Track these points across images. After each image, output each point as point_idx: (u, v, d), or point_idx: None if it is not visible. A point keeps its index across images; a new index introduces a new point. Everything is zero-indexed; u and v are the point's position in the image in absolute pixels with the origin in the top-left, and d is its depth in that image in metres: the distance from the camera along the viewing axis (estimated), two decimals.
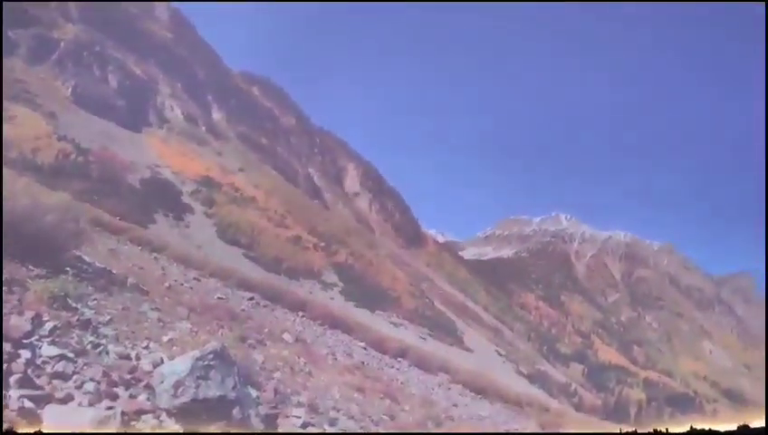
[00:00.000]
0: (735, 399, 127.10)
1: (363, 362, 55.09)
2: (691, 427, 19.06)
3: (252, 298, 52.38)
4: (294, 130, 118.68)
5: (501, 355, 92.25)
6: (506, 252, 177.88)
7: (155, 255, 42.21)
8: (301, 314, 58.20)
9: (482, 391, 74.11)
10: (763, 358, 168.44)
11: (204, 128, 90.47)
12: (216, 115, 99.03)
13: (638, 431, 18.84)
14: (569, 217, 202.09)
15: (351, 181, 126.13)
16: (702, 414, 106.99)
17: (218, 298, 47.01)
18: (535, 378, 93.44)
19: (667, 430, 19.84)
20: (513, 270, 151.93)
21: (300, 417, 33.33)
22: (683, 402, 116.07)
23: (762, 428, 15.59)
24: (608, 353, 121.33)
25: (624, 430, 23.11)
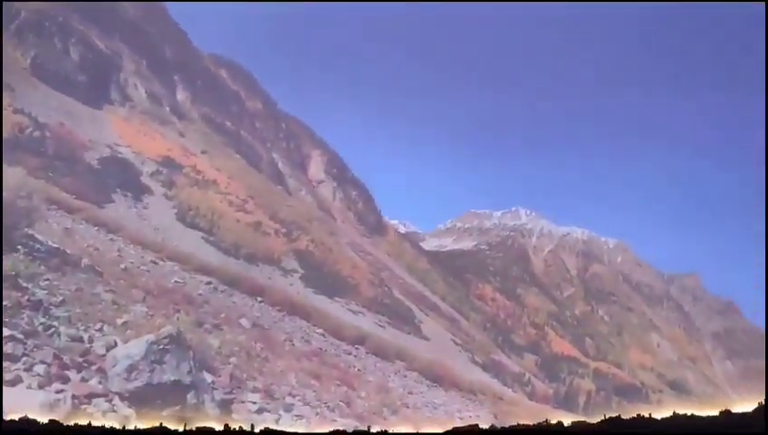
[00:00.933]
0: (679, 390, 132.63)
1: (321, 349, 55.37)
2: (638, 415, 20.00)
3: (210, 283, 51.97)
4: (260, 114, 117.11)
5: (457, 344, 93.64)
6: (466, 244, 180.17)
7: (111, 236, 41.31)
8: (259, 299, 57.96)
9: (437, 379, 75.38)
10: (705, 352, 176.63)
11: (167, 108, 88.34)
12: (181, 95, 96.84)
13: (614, 416, 19.65)
14: (529, 212, 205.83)
15: (316, 168, 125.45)
16: (647, 404, 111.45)
17: (175, 282, 46.46)
18: (490, 367, 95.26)
19: (619, 415, 20.63)
20: (472, 262, 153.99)
21: (255, 402, 33.42)
22: (630, 392, 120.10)
23: (744, 413, 16.59)
24: (561, 345, 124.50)
25: (575, 420, 23.89)
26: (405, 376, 63.32)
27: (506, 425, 25.84)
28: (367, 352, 62.32)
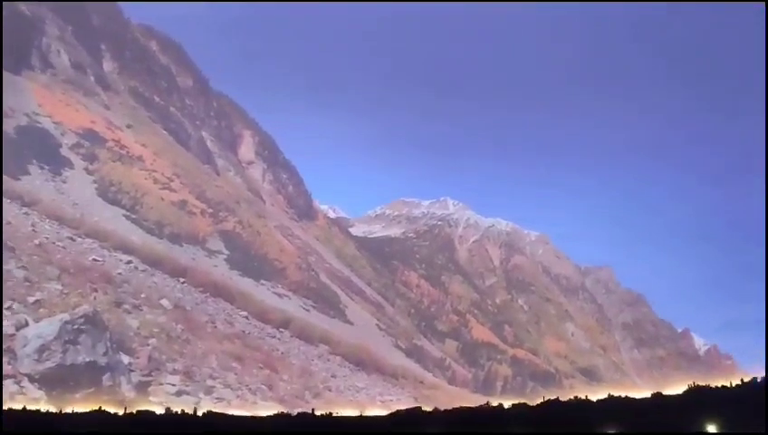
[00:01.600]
0: (590, 376, 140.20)
1: (244, 332, 55.07)
2: (575, 397, 21.52)
3: (130, 262, 50.48)
4: (191, 90, 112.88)
5: (381, 329, 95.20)
6: (394, 231, 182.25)
7: (25, 209, 39.36)
8: (181, 280, 56.80)
9: (360, 363, 76.29)
10: (615, 342, 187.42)
11: (92, 78, 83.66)
12: (108, 66, 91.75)
13: (560, 399, 20.81)
14: (456, 202, 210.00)
15: (246, 149, 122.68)
16: (560, 389, 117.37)
17: (93, 260, 44.85)
18: (413, 352, 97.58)
19: (557, 398, 22.07)
20: (399, 249, 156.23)
21: (174, 385, 33.24)
22: (544, 378, 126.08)
23: (676, 394, 18.18)
24: (481, 332, 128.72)
25: (492, 403, 25.13)
26: (328, 360, 64.05)
27: (427, 408, 26.75)
28: (291, 336, 62.53)
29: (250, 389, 43.26)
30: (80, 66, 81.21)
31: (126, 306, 40.21)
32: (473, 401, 66.73)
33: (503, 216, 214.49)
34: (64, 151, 62.75)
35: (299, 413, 22.52)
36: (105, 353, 24.73)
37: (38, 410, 20.15)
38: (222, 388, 38.63)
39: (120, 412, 21.32)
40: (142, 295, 44.70)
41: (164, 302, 46.14)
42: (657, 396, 19.65)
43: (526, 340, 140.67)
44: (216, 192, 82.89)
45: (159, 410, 23.22)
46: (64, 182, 57.80)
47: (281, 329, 63.11)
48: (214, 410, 24.03)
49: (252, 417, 22.37)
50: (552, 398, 22.17)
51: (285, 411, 22.88)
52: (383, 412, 23.05)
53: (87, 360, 20.13)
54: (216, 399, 37.44)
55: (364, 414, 23.15)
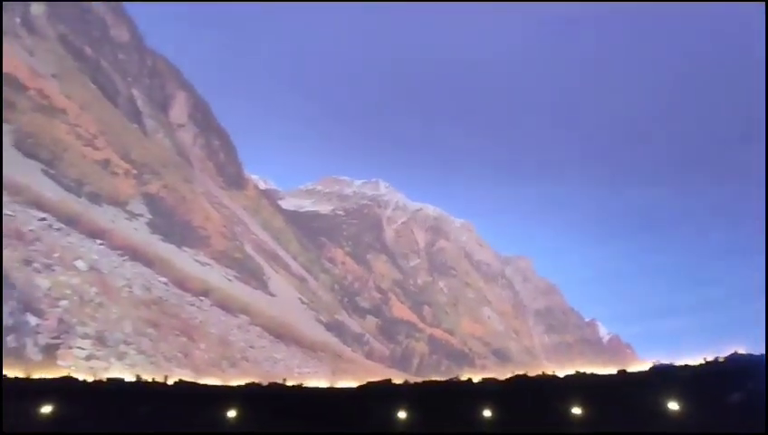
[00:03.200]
0: (502, 357, 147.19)
1: (161, 298, 54.26)
2: (543, 373, 22.63)
3: (44, 219, 48.39)
4: (125, 45, 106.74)
5: (303, 303, 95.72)
6: (324, 208, 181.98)
7: None
8: (99, 241, 55.06)
9: (280, 335, 76.75)
10: (528, 327, 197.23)
11: (17, 19, 77.57)
12: (35, 8, 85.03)
13: (521, 375, 21.85)
14: (388, 185, 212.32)
15: (179, 111, 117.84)
16: (473, 368, 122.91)
17: (5, 214, 42.75)
18: (333, 326, 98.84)
19: (525, 373, 23.13)
20: (328, 226, 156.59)
21: (84, 349, 32.79)
22: (459, 357, 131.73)
23: (640, 371, 19.60)
24: (401, 310, 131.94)
25: (408, 380, 26.10)
26: (248, 330, 64.04)
27: (342, 381, 27.42)
28: (211, 305, 61.99)
29: (165, 356, 42.71)
30: (4, 5, 75.35)
31: (36, 265, 38.53)
32: (388, 375, 68.65)
33: (431, 201, 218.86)
34: None
35: (270, 383, 22.89)
36: (11, 314, 23.80)
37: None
38: (135, 354, 37.96)
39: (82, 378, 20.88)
40: (55, 255, 42.94)
41: (79, 263, 44.50)
42: (622, 373, 21.31)
43: (444, 320, 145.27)
44: (142, 153, 79.83)
45: (84, 377, 22.82)
46: None
47: (201, 297, 62.35)
48: (125, 376, 23.77)
49: (223, 386, 22.57)
50: (520, 373, 23.48)
51: (257, 381, 23.18)
52: (353, 384, 23.72)
53: None
54: (129, 365, 36.78)
55: (334, 386, 23.79)
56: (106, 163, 70.19)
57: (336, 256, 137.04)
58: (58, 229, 47.77)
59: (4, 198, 43.61)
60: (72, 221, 51.48)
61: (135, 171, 74.39)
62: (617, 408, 18.76)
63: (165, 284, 54.12)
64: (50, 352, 28.80)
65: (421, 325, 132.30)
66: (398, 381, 24.56)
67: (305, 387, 22.72)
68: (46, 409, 17.99)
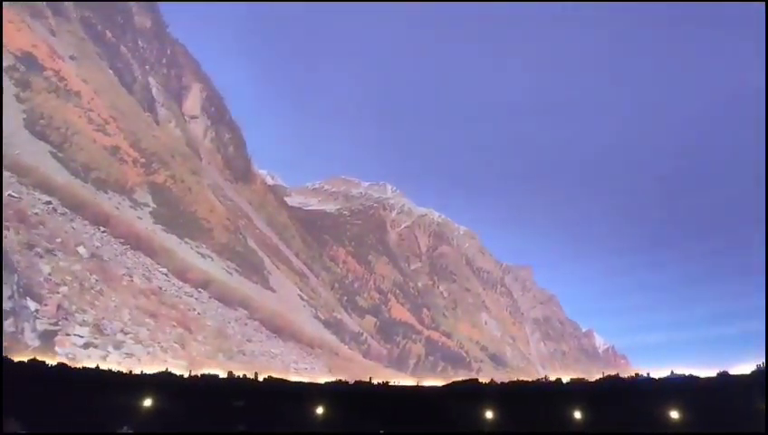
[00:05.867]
0: (497, 362, 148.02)
1: (161, 288, 54.34)
2: (613, 374, 22.19)
3: (49, 202, 48.52)
4: (147, 33, 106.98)
5: (303, 299, 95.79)
6: (330, 207, 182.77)
7: None
8: (102, 229, 55.22)
9: (278, 330, 76.65)
10: (525, 334, 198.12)
11: None
12: None
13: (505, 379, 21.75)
14: (395, 189, 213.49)
15: (192, 103, 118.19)
16: (468, 371, 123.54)
17: (9, 195, 42.88)
18: (331, 324, 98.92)
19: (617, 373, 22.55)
20: (332, 224, 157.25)
21: (82, 337, 32.96)
22: (455, 360, 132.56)
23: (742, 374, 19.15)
24: (400, 312, 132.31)
25: (495, 379, 25.88)
26: (245, 324, 64.11)
27: (338, 378, 27.37)
28: (210, 297, 62.13)
29: (162, 346, 42.79)
30: None
31: (38, 250, 38.63)
32: (385, 375, 68.70)
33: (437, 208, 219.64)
34: None
35: (356, 381, 23.24)
36: (11, 297, 23.82)
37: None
38: (133, 343, 38.02)
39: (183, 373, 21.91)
40: (58, 240, 43.06)
41: (81, 249, 44.62)
42: (724, 375, 20.59)
43: (442, 323, 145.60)
44: (151, 142, 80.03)
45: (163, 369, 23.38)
46: None
47: (200, 289, 62.46)
48: (120, 365, 23.90)
49: (311, 383, 22.94)
50: (612, 374, 22.96)
51: (343, 379, 23.57)
52: (438, 383, 23.73)
53: None
54: (126, 354, 36.86)
55: (420, 384, 23.89)
56: (115, 150, 70.37)
57: (338, 254, 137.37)
58: (62, 214, 47.93)
59: (11, 180, 43.81)
60: (76, 207, 51.65)
61: (143, 160, 74.59)
62: (715, 411, 18.00)
63: (165, 274, 54.26)
64: (48, 338, 28.88)
65: (419, 327, 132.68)
66: (449, 380, 24.52)
67: (391, 386, 22.93)
68: (147, 402, 18.92)
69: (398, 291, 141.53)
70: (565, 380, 22.82)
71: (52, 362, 21.40)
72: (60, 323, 31.01)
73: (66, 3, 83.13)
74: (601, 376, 22.63)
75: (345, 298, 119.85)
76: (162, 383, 20.39)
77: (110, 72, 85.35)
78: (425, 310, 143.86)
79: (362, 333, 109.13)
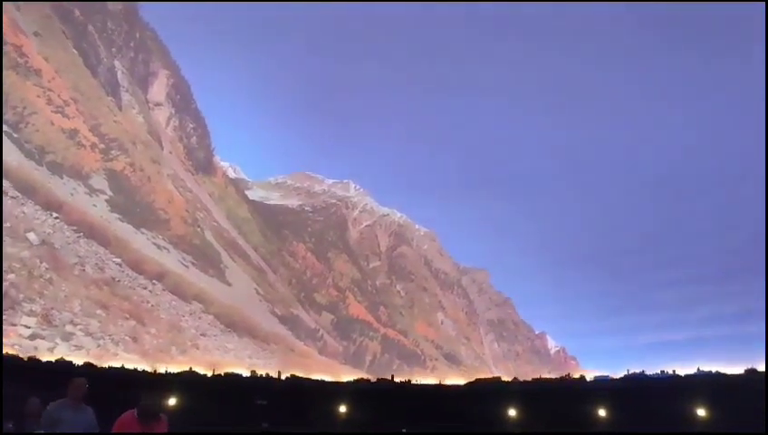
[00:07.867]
0: (451, 361, 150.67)
1: (114, 279, 53.34)
2: (639, 372, 22.06)
3: None
4: (117, 15, 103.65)
5: (259, 294, 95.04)
6: (292, 202, 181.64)
7: None
8: (54, 215, 53.85)
9: (233, 324, 76.08)
10: (480, 334, 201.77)
11: None
12: None
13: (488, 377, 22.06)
14: (358, 187, 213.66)
15: (158, 89, 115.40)
16: (423, 369, 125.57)
17: None
18: (287, 320, 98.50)
19: (409, 380, 23.65)
20: (293, 220, 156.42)
21: (29, 327, 32.36)
22: (410, 358, 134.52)
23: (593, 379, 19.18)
24: (357, 309, 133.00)
25: (361, 376, 26.21)
26: (200, 318, 63.33)
27: (291, 374, 27.46)
28: (164, 289, 61.09)
29: (113, 339, 41.80)
30: None
31: None
32: (341, 371, 68.85)
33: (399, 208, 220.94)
34: None
35: (378, 379, 23.21)
36: None
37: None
38: (82, 335, 37.04)
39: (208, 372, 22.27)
40: (7, 225, 41.57)
41: (31, 235, 43.22)
42: (751, 372, 20.45)
43: (398, 322, 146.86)
44: (112, 128, 78.02)
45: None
46: None
47: (154, 281, 61.23)
48: (71, 358, 23.33)
49: (333, 382, 22.81)
50: (638, 371, 22.89)
51: (365, 377, 23.64)
52: (460, 381, 23.71)
53: None
54: (75, 347, 35.86)
55: (442, 383, 23.84)
56: (74, 133, 68.41)
57: (298, 250, 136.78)
58: (13, 197, 46.39)
59: None
60: (28, 190, 50.05)
61: (102, 145, 72.74)
62: (739, 408, 18.20)
63: (119, 265, 53.05)
64: None
65: (376, 325, 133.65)
66: (399, 379, 24.83)
67: (413, 384, 23.03)
68: (171, 401, 19.14)
69: (356, 289, 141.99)
70: (588, 377, 23.18)
71: (78, 362, 22.35)
72: (6, 312, 29.97)
73: None
74: (626, 373, 23.05)
75: (303, 294, 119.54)
76: (187, 383, 20.77)
77: (75, 51, 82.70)
78: (382, 308, 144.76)
79: (319, 330, 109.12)
